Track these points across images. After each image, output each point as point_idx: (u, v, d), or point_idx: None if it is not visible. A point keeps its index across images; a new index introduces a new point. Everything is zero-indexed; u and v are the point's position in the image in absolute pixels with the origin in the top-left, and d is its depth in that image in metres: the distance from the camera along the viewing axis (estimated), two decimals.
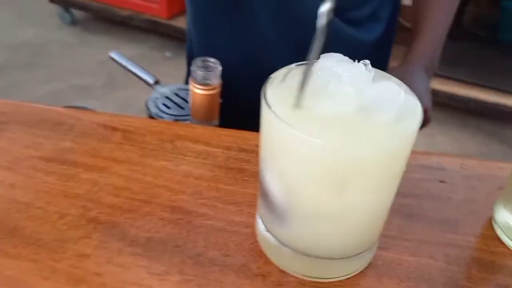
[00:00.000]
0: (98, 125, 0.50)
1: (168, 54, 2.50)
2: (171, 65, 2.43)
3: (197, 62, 0.58)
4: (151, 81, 0.82)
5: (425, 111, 0.60)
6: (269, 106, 0.31)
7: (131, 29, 2.56)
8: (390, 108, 0.30)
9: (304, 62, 0.34)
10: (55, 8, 2.65)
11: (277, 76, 0.34)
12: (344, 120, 0.30)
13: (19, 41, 2.49)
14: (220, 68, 0.58)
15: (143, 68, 0.84)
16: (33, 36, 2.57)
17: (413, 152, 0.51)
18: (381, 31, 0.71)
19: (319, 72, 0.32)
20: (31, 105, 0.53)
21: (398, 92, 0.32)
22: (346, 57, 0.33)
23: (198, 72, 0.58)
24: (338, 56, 0.33)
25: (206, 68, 0.58)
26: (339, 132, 0.30)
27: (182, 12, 2.41)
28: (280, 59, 0.40)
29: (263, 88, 0.33)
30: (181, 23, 2.38)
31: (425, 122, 0.63)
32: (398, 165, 0.32)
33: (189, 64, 0.84)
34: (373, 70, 0.33)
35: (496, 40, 2.14)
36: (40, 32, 2.62)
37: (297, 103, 0.30)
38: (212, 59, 0.59)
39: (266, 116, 0.31)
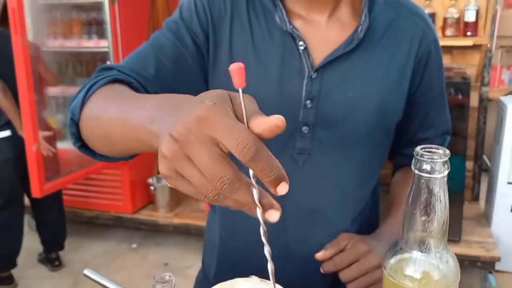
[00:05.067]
0: None
1: (134, 245, 2.63)
2: (137, 255, 2.55)
3: (156, 277, 0.74)
4: None
5: (378, 267, 0.79)
6: None
7: (97, 227, 2.71)
8: None
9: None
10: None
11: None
12: None
13: None
14: (174, 280, 0.74)
15: (115, 282, 0.98)
16: None
17: None
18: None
19: None
20: None
21: None
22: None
23: (157, 286, 0.73)
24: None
25: (163, 281, 0.74)
26: None
27: (144, 206, 2.63)
28: None
29: None
30: (144, 215, 2.57)
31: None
32: None
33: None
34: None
35: None
36: None
37: None
38: (168, 274, 0.75)
39: None
